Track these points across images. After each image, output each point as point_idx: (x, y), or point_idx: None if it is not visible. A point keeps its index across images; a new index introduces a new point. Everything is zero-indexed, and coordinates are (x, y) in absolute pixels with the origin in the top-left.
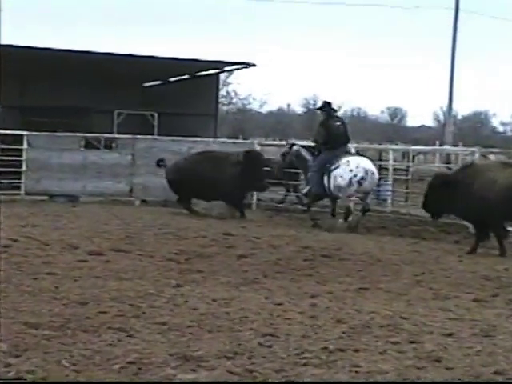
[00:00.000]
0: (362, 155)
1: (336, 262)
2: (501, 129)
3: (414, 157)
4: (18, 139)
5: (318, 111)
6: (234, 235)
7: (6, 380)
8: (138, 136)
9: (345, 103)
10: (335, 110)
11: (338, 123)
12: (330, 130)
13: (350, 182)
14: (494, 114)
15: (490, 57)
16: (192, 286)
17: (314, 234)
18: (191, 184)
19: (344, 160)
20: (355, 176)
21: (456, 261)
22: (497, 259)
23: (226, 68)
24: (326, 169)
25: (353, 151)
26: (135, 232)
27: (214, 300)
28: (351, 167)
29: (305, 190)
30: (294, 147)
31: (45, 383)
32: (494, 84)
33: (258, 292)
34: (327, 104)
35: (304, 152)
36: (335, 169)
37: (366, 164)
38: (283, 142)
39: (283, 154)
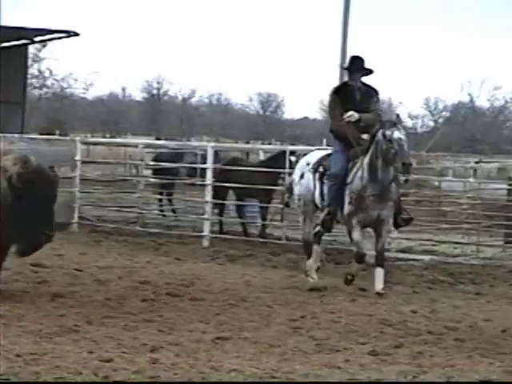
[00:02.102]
0: None
1: (186, 303)
2: (409, 123)
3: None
4: None
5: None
6: (46, 267)
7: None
8: None
9: (199, 88)
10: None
11: None
12: None
13: None
14: (401, 103)
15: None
16: None
17: (156, 264)
18: None
19: None
20: None
21: (347, 300)
22: (402, 298)
23: (38, 38)
24: None
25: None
26: None
27: (17, 355)
28: None
29: None
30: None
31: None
32: (401, 64)
33: (78, 344)
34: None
35: None
36: None
37: None
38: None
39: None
